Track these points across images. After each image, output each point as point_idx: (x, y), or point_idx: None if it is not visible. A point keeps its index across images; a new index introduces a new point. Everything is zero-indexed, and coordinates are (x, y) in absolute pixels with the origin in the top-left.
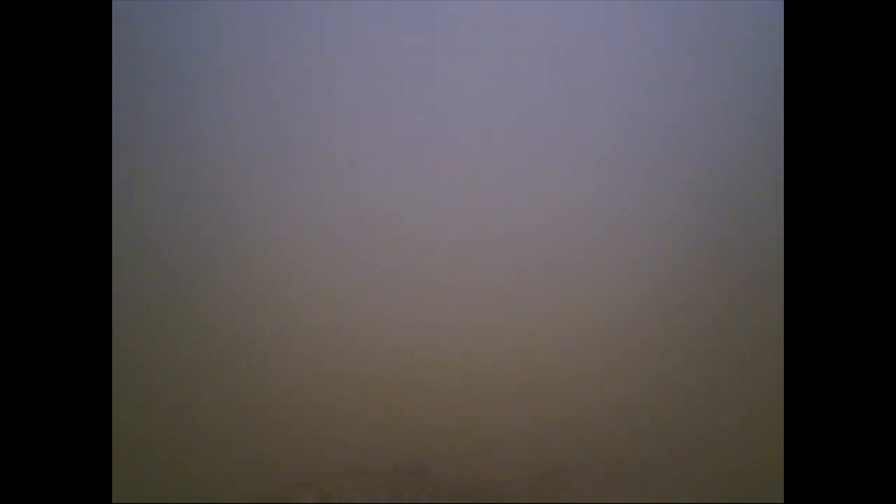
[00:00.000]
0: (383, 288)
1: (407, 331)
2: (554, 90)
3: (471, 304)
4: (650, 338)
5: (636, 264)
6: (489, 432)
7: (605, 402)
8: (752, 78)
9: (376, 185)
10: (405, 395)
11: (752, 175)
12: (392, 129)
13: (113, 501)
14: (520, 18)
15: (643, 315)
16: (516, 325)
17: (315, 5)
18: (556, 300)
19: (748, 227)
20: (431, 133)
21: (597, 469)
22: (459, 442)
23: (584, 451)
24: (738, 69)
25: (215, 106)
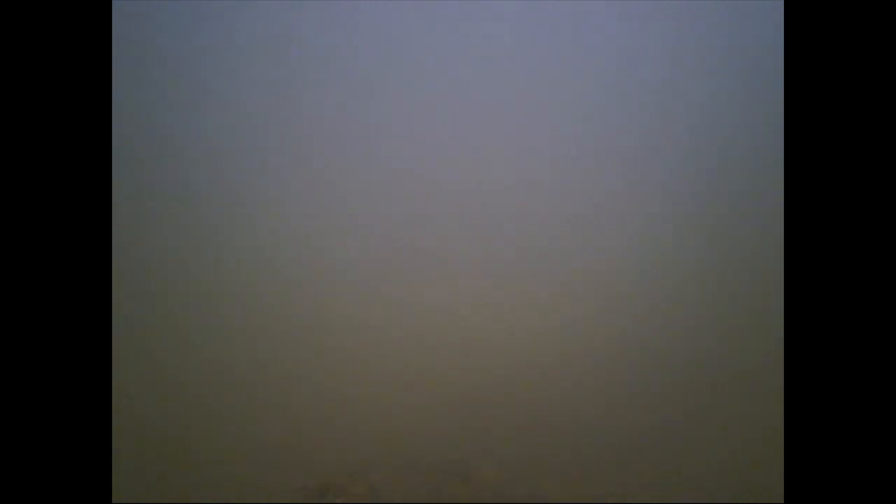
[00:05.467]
0: (426, 284)
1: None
2: (557, 90)
3: (513, 314)
4: (651, 338)
5: (639, 264)
6: (533, 438)
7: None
8: (753, 78)
9: (381, 182)
10: (448, 396)
11: (752, 173)
12: (397, 129)
13: (113, 501)
14: (526, 19)
15: (645, 313)
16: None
17: (325, 4)
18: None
19: (749, 225)
20: (439, 127)
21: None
22: (502, 446)
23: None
24: (739, 70)
25: (219, 102)
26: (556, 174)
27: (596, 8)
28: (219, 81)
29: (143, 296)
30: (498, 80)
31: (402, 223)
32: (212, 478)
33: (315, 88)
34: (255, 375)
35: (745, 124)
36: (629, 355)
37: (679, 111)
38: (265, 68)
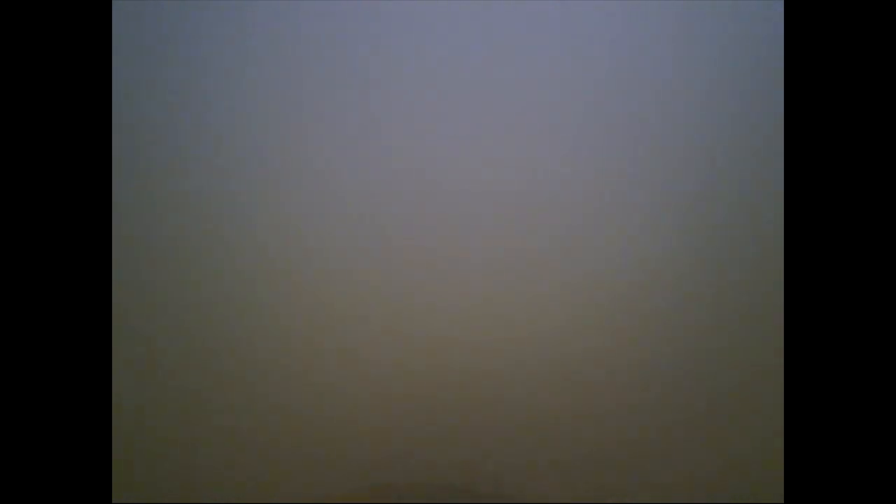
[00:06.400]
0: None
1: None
2: (557, 90)
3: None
4: (649, 338)
5: (639, 264)
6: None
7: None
8: (753, 78)
9: (381, 182)
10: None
11: (752, 171)
12: (398, 129)
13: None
14: (526, 20)
15: (645, 313)
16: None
17: (331, 4)
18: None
19: (749, 224)
20: (439, 128)
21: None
22: (503, 446)
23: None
24: (739, 70)
25: (220, 101)
26: (556, 174)
27: (596, 8)
28: (220, 81)
29: (143, 295)
30: (496, 80)
31: (402, 223)
32: (223, 490)
33: (316, 88)
34: (265, 382)
35: (745, 124)
36: (629, 355)
37: (679, 111)
38: (266, 68)
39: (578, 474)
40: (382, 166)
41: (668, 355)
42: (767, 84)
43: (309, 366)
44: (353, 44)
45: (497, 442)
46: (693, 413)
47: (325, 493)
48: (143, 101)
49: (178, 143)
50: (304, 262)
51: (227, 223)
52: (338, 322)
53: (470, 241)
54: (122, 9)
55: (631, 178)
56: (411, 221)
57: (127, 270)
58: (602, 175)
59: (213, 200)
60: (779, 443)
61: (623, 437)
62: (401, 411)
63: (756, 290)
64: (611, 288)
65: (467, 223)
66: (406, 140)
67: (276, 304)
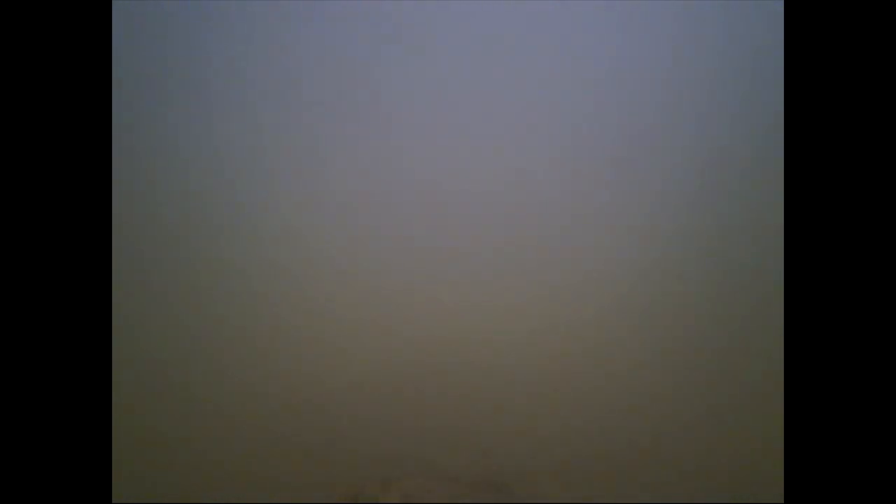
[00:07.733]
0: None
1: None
2: (556, 90)
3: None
4: (650, 338)
5: (639, 264)
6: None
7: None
8: (753, 78)
9: (381, 182)
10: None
11: (752, 171)
12: (396, 129)
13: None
14: (522, 19)
15: (645, 313)
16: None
17: (332, 4)
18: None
19: (749, 224)
20: (438, 128)
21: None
22: (543, 460)
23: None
24: (739, 70)
25: (220, 101)
26: (556, 174)
27: (596, 8)
28: (220, 81)
29: (144, 295)
30: (495, 80)
31: (403, 224)
32: (229, 486)
33: (317, 89)
34: (266, 381)
35: (745, 124)
36: (630, 354)
37: (679, 111)
38: (266, 68)
39: (578, 474)
40: (382, 166)
41: (668, 355)
42: (767, 84)
43: (310, 364)
44: (353, 44)
45: (497, 441)
46: (693, 413)
47: (326, 493)
48: (143, 101)
49: (178, 143)
50: (305, 261)
51: (227, 223)
52: (339, 321)
53: (470, 240)
54: (122, 8)
55: (631, 178)
56: (411, 221)
57: (127, 270)
58: (602, 175)
59: (213, 200)
60: (779, 443)
61: (623, 437)
62: (400, 411)
63: (756, 291)
64: (611, 288)
65: (468, 223)
66: (405, 140)
67: (277, 304)
